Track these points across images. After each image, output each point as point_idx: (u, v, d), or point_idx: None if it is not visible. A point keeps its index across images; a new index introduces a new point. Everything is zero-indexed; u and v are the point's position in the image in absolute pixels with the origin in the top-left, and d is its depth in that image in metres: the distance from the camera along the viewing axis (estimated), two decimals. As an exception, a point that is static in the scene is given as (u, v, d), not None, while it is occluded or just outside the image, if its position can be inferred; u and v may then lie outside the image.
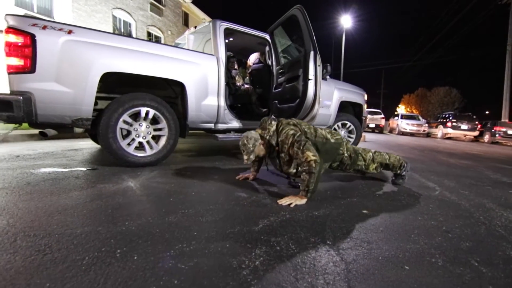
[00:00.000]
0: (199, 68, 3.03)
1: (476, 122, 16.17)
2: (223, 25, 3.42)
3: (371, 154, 2.54)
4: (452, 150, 7.62)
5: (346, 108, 4.97)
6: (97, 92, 2.46)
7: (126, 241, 1.17)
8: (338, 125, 4.82)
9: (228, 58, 4.15)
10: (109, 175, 2.33)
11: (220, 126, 3.35)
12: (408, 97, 44.16)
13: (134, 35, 14.81)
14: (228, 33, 3.54)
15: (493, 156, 6.89)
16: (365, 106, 5.20)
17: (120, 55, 2.51)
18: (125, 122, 2.62)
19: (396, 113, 42.17)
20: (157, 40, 16.82)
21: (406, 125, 17.41)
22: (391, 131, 19.70)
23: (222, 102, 3.25)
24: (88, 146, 4.08)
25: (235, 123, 3.47)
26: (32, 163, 2.71)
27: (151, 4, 15.82)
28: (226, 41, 3.53)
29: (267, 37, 3.86)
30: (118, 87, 2.81)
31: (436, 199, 2.17)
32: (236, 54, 4.97)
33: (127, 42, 2.60)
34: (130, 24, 14.70)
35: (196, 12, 21.86)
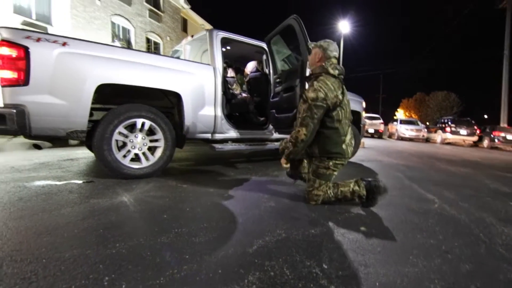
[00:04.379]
0: (195, 78, 3.01)
1: (475, 127, 16.18)
2: (220, 34, 3.42)
3: (322, 197, 2.13)
4: (451, 157, 7.60)
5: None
6: (93, 103, 2.44)
7: (115, 266, 1.14)
8: (336, 133, 4.80)
9: (225, 68, 4.13)
10: (103, 189, 2.29)
11: (217, 136, 3.32)
12: (407, 101, 44.35)
13: (133, 42, 14.85)
14: (225, 42, 3.53)
15: (492, 163, 6.87)
16: (363, 113, 5.19)
17: (115, 67, 2.49)
18: (120, 133, 2.59)
19: (395, 118, 42.32)
20: (156, 46, 16.86)
21: (405, 130, 17.41)
22: (390, 136, 19.71)
23: (219, 112, 3.23)
24: (84, 155, 4.04)
25: (232, 133, 3.45)
26: (26, 175, 2.67)
27: (150, 10, 15.88)
28: (224, 49, 3.52)
29: (264, 46, 3.85)
30: (114, 97, 2.79)
31: (435, 213, 2.13)
32: (234, 61, 4.97)
33: (122, 53, 2.59)
34: (129, 30, 14.73)
35: (195, 18, 21.96)
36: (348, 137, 2.07)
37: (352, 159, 5.04)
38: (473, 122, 17.38)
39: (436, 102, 35.86)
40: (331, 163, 2.05)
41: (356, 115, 5.07)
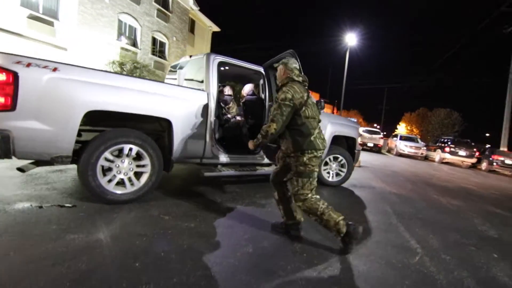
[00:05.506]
0: (188, 104, 3.00)
1: (475, 149, 16.17)
2: (217, 59, 3.41)
3: (310, 195, 2.27)
4: (447, 183, 7.57)
5: (339, 140, 4.94)
6: (81, 125, 2.43)
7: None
8: (329, 159, 4.79)
9: (221, 90, 4.13)
10: (83, 219, 2.27)
11: (207, 160, 3.31)
12: (409, 115, 44.34)
13: (138, 40, 14.87)
14: (222, 66, 3.52)
15: (487, 192, 6.83)
16: (358, 139, 5.17)
17: (105, 93, 2.48)
18: (106, 159, 2.58)
19: (396, 131, 42.17)
20: (162, 45, 16.87)
21: (404, 147, 17.35)
22: (389, 150, 19.69)
23: (210, 137, 3.22)
24: (74, 166, 4.02)
25: (223, 158, 3.43)
26: (11, 193, 2.65)
27: (158, 10, 15.91)
28: (222, 68, 3.48)
29: (262, 70, 3.84)
30: (103, 120, 2.77)
31: (414, 270, 2.11)
32: (232, 78, 4.96)
33: (113, 79, 2.58)
34: (135, 29, 14.75)
35: (203, 20, 22.00)
36: (316, 131, 2.31)
37: (345, 183, 5.02)
38: (473, 144, 17.37)
39: (438, 119, 35.82)
40: (305, 158, 2.24)
41: (351, 140, 5.07)
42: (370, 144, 17.84)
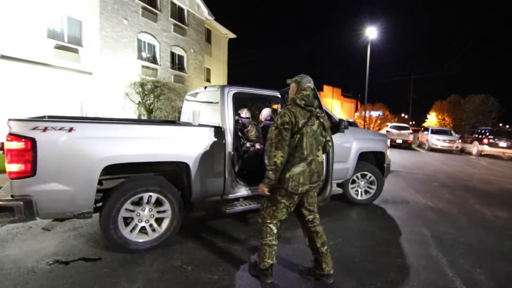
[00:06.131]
0: (204, 143, 2.93)
1: (517, 139, 14.87)
2: (232, 90, 3.31)
3: (269, 221, 2.26)
4: (489, 185, 6.96)
5: (367, 156, 4.66)
6: (102, 175, 2.45)
7: None
8: (357, 176, 4.54)
9: (237, 120, 4.03)
10: (107, 277, 2.27)
11: (228, 196, 3.22)
12: (440, 104, 41.87)
13: (158, 56, 15.25)
14: (237, 97, 3.42)
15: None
16: (387, 152, 4.86)
17: (121, 146, 2.48)
18: (127, 210, 2.57)
19: (425, 121, 39.83)
20: (180, 59, 17.18)
21: (437, 141, 16.29)
22: (420, 145, 18.67)
23: (229, 173, 3.13)
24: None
25: (243, 191, 3.33)
26: (40, 246, 2.72)
27: (175, 25, 16.22)
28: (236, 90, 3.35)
29: (278, 94, 3.70)
30: (122, 169, 2.76)
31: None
32: (248, 100, 4.86)
33: (128, 130, 2.58)
34: (154, 46, 15.15)
35: (219, 28, 22.17)
36: (300, 168, 2.10)
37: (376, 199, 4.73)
38: (514, 133, 15.99)
39: (473, 106, 33.46)
40: (277, 188, 2.16)
41: (379, 154, 4.78)
42: (399, 141, 17.01)
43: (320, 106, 2.34)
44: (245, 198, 3.40)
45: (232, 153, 3.17)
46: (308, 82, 2.32)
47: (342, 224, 3.75)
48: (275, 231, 2.28)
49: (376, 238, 3.33)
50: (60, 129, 2.25)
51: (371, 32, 20.26)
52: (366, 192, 4.64)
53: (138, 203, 2.66)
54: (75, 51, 11.51)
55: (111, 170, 2.66)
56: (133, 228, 2.64)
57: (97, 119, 4.57)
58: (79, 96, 11.81)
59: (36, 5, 10.19)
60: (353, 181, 4.55)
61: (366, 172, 4.55)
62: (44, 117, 3.45)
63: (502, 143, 14.65)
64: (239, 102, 4.12)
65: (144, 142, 2.59)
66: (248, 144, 4.11)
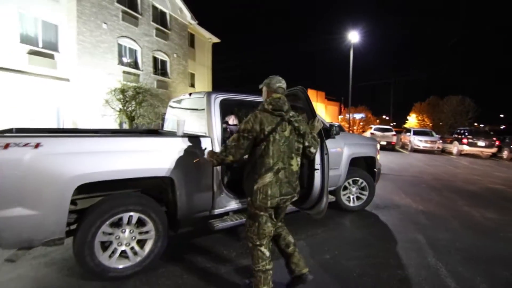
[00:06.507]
0: (190, 155, 2.71)
1: (494, 138, 15.41)
2: (219, 97, 3.11)
3: (259, 243, 2.09)
4: (472, 185, 7.05)
5: (358, 161, 4.56)
6: (75, 195, 2.18)
7: None
8: (349, 182, 4.43)
9: (225, 128, 3.83)
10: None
11: (217, 211, 3.00)
12: (420, 105, 43.15)
13: (139, 62, 14.81)
14: (225, 103, 3.22)
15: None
16: (378, 156, 4.79)
17: (97, 162, 2.22)
18: (104, 233, 2.30)
19: (406, 123, 40.87)
20: (163, 64, 16.79)
21: (419, 142, 16.70)
22: (403, 146, 19.04)
23: (218, 187, 2.92)
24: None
25: (234, 204, 3.11)
26: (6, 277, 2.41)
27: (157, 29, 15.83)
28: (224, 96, 3.14)
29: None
30: (98, 186, 2.50)
31: None
32: (235, 106, 4.66)
33: (105, 143, 2.32)
34: (136, 51, 14.68)
35: (202, 33, 21.91)
36: (264, 180, 1.96)
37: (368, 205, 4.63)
38: (491, 133, 16.58)
39: (451, 107, 34.63)
40: (252, 199, 2.03)
41: (369, 159, 4.70)
42: (383, 143, 17.28)
43: (290, 109, 2.13)
44: (236, 211, 3.19)
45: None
46: (278, 82, 2.18)
47: (336, 234, 3.61)
48: (267, 254, 2.08)
49: (372, 248, 3.21)
50: (25, 145, 1.97)
51: (353, 36, 20.61)
52: (358, 198, 4.54)
53: (118, 223, 2.40)
54: (51, 56, 10.97)
55: (86, 188, 2.40)
56: (113, 253, 2.38)
57: (70, 131, 4.27)
58: (56, 104, 11.25)
59: (7, 8, 9.63)
60: (345, 188, 4.44)
61: (357, 178, 4.45)
62: (11, 130, 3.13)
63: (481, 143, 15.16)
64: (226, 108, 3.93)
65: (123, 157, 2.34)
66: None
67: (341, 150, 4.11)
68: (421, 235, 3.62)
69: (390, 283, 2.49)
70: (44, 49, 10.76)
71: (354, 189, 4.49)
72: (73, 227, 2.44)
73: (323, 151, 2.60)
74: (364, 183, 4.48)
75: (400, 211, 4.72)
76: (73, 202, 2.41)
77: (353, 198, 4.51)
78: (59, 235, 2.12)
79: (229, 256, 2.89)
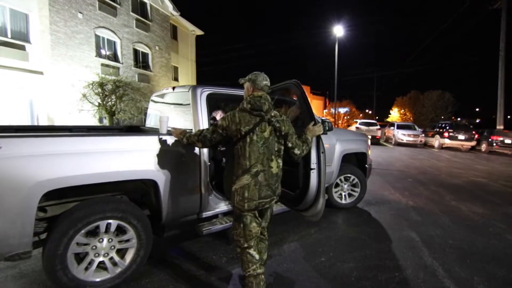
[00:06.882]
0: (175, 154, 2.48)
1: (473, 132, 15.94)
2: (205, 91, 2.87)
3: (246, 246, 2.02)
4: (456, 179, 7.16)
5: (349, 157, 4.45)
6: (43, 202, 1.92)
7: None
8: (340, 179, 4.32)
9: (213, 118, 3.60)
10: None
11: (205, 214, 2.79)
12: (401, 99, 44.14)
13: (119, 54, 14.16)
14: (212, 98, 2.99)
15: (501, 186, 6.36)
16: (369, 152, 4.70)
17: (67, 165, 1.94)
18: (79, 244, 2.05)
19: (389, 117, 41.76)
20: (145, 56, 16.15)
21: (403, 136, 17.05)
22: (387, 140, 19.38)
23: (206, 188, 2.70)
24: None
25: (223, 206, 2.91)
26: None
27: (137, 20, 15.16)
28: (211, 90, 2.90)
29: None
30: (71, 191, 2.22)
31: None
32: (222, 101, 4.43)
33: (78, 143, 2.03)
34: (115, 42, 13.99)
35: (185, 25, 21.25)
36: (241, 182, 1.91)
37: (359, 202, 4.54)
38: (471, 127, 17.14)
39: (431, 101, 35.64)
40: (235, 198, 1.99)
41: (361, 155, 4.60)
42: (368, 136, 17.51)
43: (270, 109, 2.02)
44: (225, 214, 2.99)
45: (209, 163, 2.75)
46: (265, 80, 2.10)
47: (330, 234, 3.48)
48: (257, 257, 2.01)
49: (367, 249, 3.09)
50: (-21, 147, 1.68)
51: (338, 31, 20.63)
52: (349, 195, 4.44)
53: (94, 232, 2.14)
54: (22, 48, 10.24)
55: (57, 194, 2.12)
56: (89, 264, 2.13)
57: (40, 129, 3.90)
58: (29, 99, 10.55)
59: (-30, -6, 8.86)
60: (337, 185, 4.33)
61: (349, 175, 4.34)
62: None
63: (461, 136, 15.64)
64: (213, 103, 3.69)
65: (99, 158, 2.08)
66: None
67: (334, 147, 3.98)
68: (414, 233, 3.56)
69: (389, 287, 2.38)
70: (14, 39, 10.02)
71: (346, 186, 4.39)
72: (43, 236, 2.18)
73: (319, 150, 2.42)
74: (356, 180, 4.38)
75: (391, 207, 4.66)
76: (42, 209, 2.15)
77: (344, 195, 4.41)
78: (24, 248, 1.85)
79: (219, 262, 2.69)
